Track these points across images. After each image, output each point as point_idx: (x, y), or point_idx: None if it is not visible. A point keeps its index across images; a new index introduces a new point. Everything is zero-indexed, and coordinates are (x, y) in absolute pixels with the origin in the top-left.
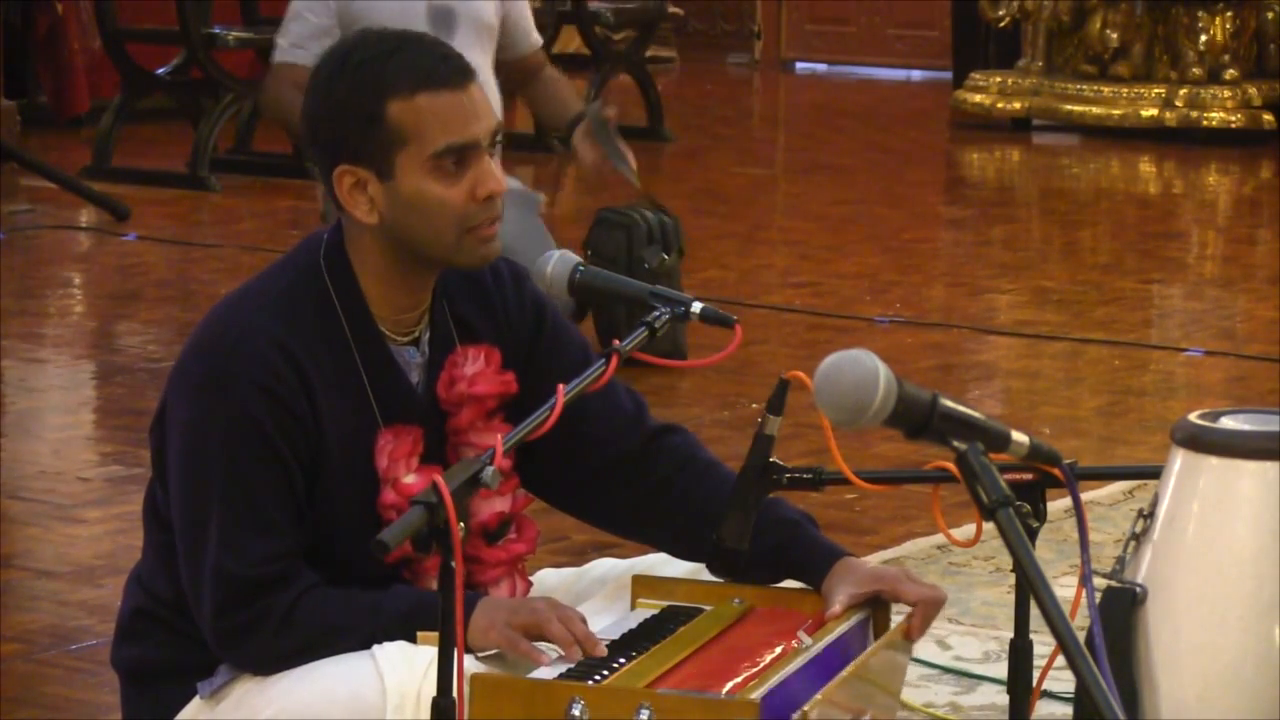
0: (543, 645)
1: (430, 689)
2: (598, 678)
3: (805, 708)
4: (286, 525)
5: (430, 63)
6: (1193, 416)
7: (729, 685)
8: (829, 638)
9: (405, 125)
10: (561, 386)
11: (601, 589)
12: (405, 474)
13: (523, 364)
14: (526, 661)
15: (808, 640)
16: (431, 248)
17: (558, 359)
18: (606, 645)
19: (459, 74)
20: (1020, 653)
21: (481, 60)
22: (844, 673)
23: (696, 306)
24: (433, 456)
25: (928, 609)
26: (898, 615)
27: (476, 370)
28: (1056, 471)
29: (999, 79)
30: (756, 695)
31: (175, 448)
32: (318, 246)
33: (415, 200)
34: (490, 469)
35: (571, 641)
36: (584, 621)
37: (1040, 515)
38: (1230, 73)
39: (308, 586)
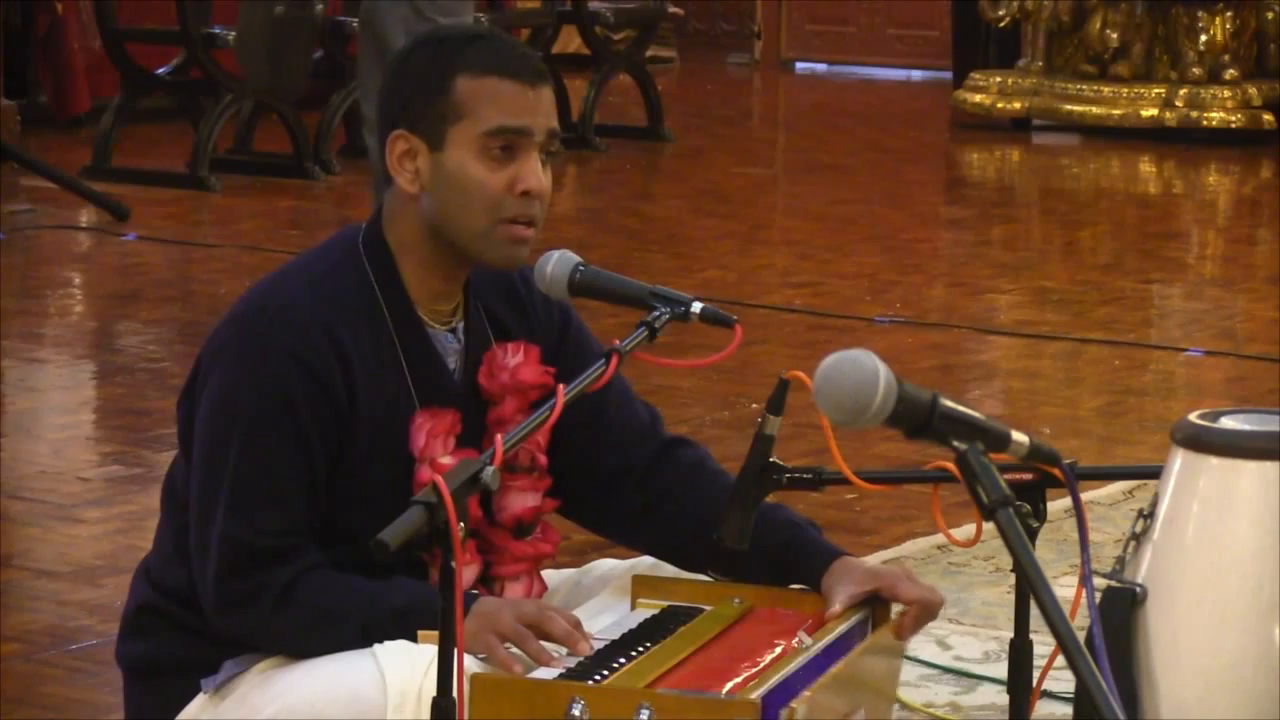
0: (550, 646)
1: (431, 687)
2: (598, 678)
3: (793, 704)
4: (298, 502)
5: (509, 54)
6: (1193, 416)
7: (729, 685)
8: (829, 638)
9: (466, 100)
10: (561, 386)
11: (602, 589)
12: (442, 453)
13: (549, 365)
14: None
15: (808, 640)
16: (461, 232)
17: (579, 364)
18: (607, 645)
19: (534, 74)
20: (1020, 653)
21: None
22: (831, 671)
23: (696, 306)
24: (468, 443)
25: (921, 611)
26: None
27: (519, 362)
28: (1056, 471)
29: (999, 79)
30: (756, 695)
31: (203, 411)
32: (356, 234)
33: (457, 176)
34: (490, 469)
35: (549, 658)
36: (569, 621)
37: (1040, 515)
38: (1230, 73)
39: (310, 566)
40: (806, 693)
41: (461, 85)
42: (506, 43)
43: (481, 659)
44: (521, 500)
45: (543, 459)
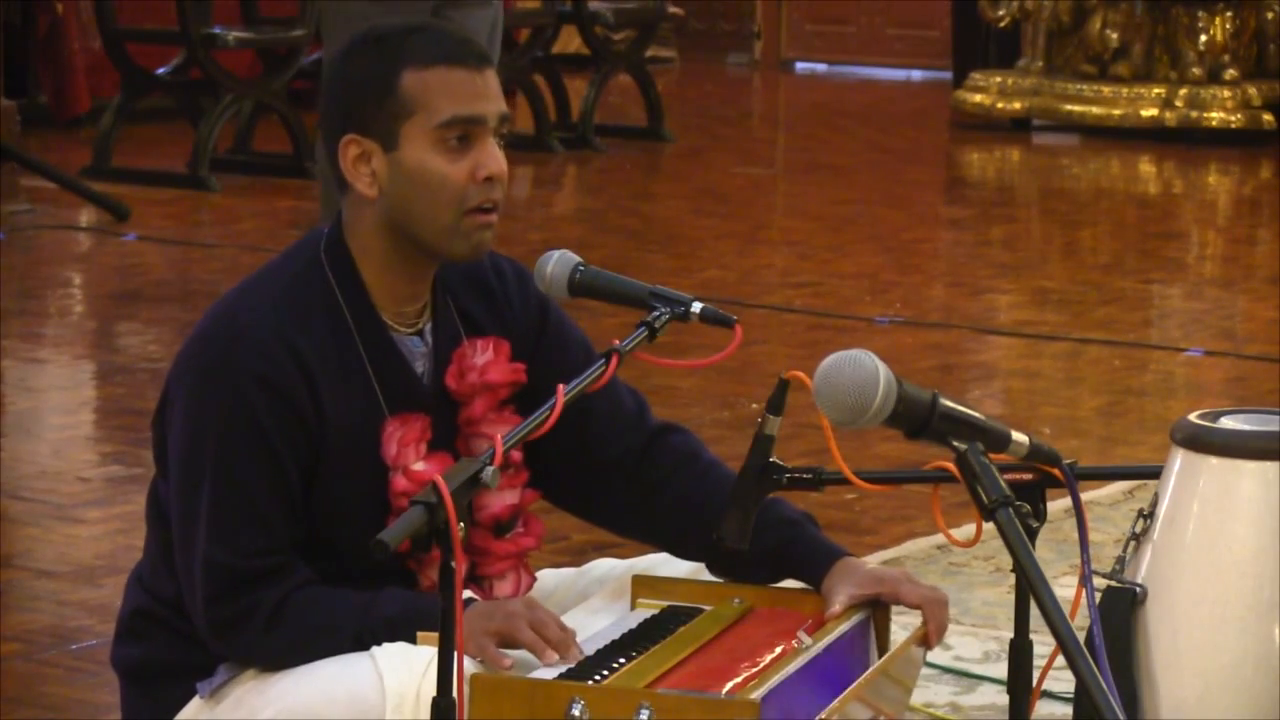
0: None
1: (430, 689)
2: (598, 678)
3: (820, 716)
4: (278, 520)
5: (450, 42)
6: (1193, 416)
7: (729, 685)
8: (829, 638)
9: (415, 95)
10: (561, 386)
11: (601, 589)
12: (415, 460)
13: (527, 360)
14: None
15: (808, 640)
16: (427, 228)
17: (560, 356)
18: (607, 645)
19: (476, 57)
20: (1020, 653)
21: None
22: (855, 685)
23: (696, 306)
24: (440, 446)
25: (935, 611)
26: (898, 616)
27: (487, 360)
28: (1056, 471)
29: (999, 79)
30: (756, 695)
31: (173, 437)
32: (318, 240)
33: (417, 173)
34: (490, 469)
35: (544, 648)
36: (560, 626)
37: (1040, 515)
38: (1230, 73)
39: (299, 583)
40: (835, 704)
41: (408, 80)
42: (445, 31)
43: (478, 660)
44: (499, 499)
45: (516, 455)
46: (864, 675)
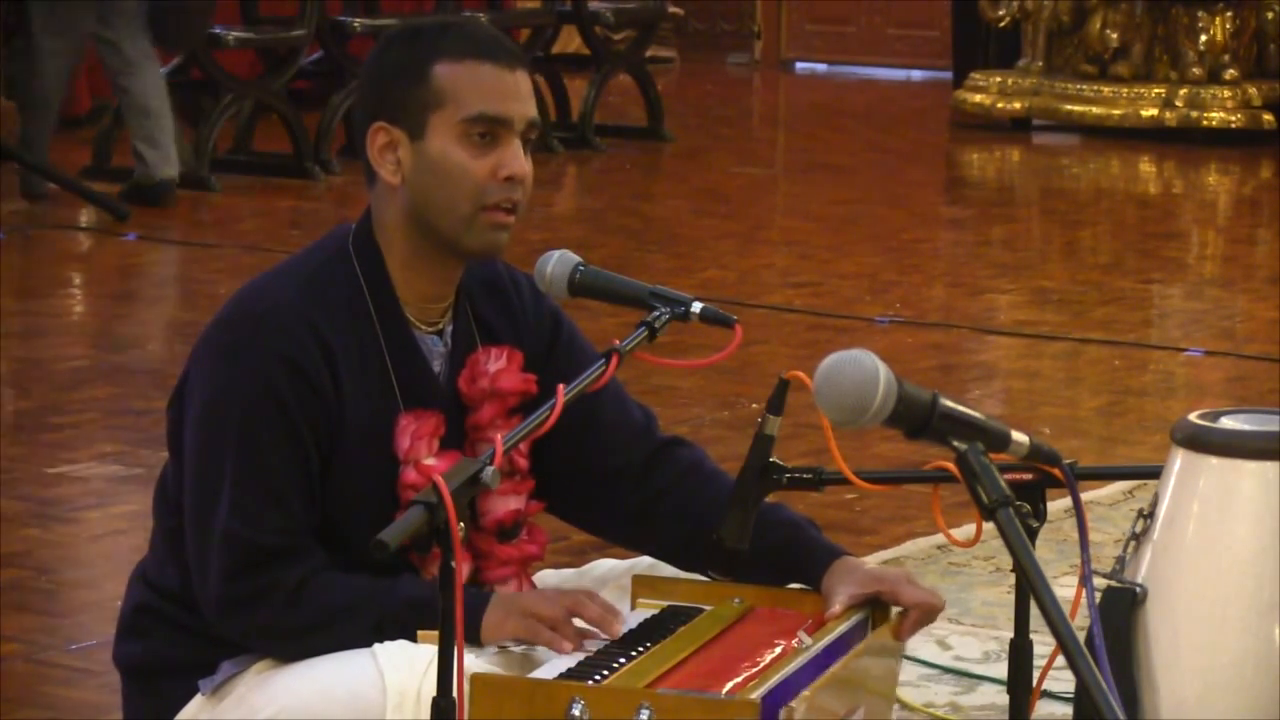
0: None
1: (430, 688)
2: (598, 678)
3: (792, 704)
4: (298, 501)
5: (486, 39)
6: (1193, 416)
7: (729, 685)
8: (829, 638)
9: (446, 87)
10: (561, 386)
11: (601, 589)
12: (426, 455)
13: (539, 371)
14: (544, 649)
15: (808, 640)
16: (444, 218)
17: (571, 371)
18: (607, 645)
19: (511, 56)
20: (1020, 653)
21: None
22: (830, 671)
23: (696, 306)
24: (451, 446)
25: (922, 614)
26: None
27: (500, 368)
28: (1056, 471)
29: (999, 79)
30: (756, 695)
31: (193, 415)
32: (346, 233)
33: (439, 163)
34: (490, 469)
35: (609, 618)
36: (593, 599)
37: (1040, 515)
38: (1230, 73)
39: (319, 566)
40: (805, 693)
41: (440, 71)
42: (481, 28)
43: (492, 653)
44: (503, 504)
45: (523, 462)
46: (828, 670)
